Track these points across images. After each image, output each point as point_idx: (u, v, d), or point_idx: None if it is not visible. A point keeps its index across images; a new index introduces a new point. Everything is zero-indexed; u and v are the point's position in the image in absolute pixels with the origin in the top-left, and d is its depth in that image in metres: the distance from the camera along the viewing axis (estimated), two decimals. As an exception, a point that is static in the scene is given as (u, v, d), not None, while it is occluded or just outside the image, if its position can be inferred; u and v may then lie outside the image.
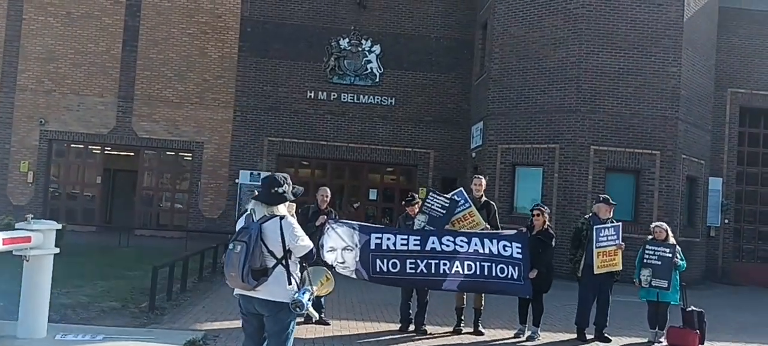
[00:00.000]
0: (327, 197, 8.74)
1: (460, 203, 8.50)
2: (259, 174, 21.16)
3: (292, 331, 4.46)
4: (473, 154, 20.09)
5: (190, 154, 21.87)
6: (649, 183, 16.98)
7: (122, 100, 21.38)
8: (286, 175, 4.56)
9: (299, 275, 4.45)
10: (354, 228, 8.28)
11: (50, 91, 21.29)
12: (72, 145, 22.01)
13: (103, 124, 21.34)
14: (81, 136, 21.44)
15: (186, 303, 9.59)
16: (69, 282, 10.33)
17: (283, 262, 4.34)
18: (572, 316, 8.99)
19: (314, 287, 4.48)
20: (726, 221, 20.54)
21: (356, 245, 8.12)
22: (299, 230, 4.44)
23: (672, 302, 8.75)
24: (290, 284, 4.34)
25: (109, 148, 22.18)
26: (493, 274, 8.02)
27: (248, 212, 4.43)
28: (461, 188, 8.71)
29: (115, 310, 8.63)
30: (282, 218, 4.37)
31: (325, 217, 8.40)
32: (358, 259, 8.08)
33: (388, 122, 21.53)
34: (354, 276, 8.22)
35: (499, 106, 18.49)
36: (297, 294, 4.28)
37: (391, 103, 21.61)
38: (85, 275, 11.32)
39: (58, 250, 6.83)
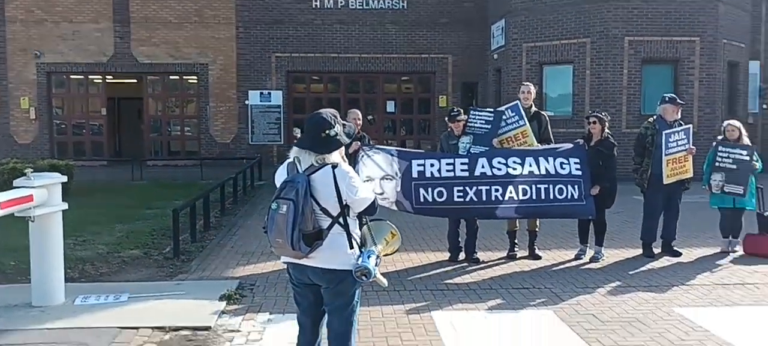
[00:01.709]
0: (359, 120, 7.78)
1: (511, 119, 7.54)
2: (269, 94, 20.17)
3: (358, 303, 3.63)
4: (495, 56, 18.90)
5: (195, 78, 20.83)
6: (688, 73, 15.88)
7: (118, 24, 20.14)
8: (335, 112, 3.61)
9: (359, 233, 3.59)
10: (392, 154, 7.39)
11: (41, 20, 20.05)
12: (72, 77, 21.00)
13: (101, 52, 20.21)
14: (80, 67, 20.37)
15: (212, 244, 8.85)
16: (85, 229, 9.61)
17: (341, 221, 3.46)
18: (636, 230, 8.19)
19: (379, 246, 3.61)
20: (764, 106, 19.51)
21: (396, 174, 7.25)
22: (357, 180, 3.54)
23: (748, 208, 7.90)
24: (351, 247, 3.48)
25: (110, 77, 21.16)
26: (551, 196, 7.16)
27: (291, 160, 3.51)
28: (517, 101, 7.68)
29: (138, 259, 7.90)
30: (335, 166, 3.46)
31: (359, 143, 7.48)
32: (398, 189, 7.23)
33: (401, 28, 20.24)
34: (395, 208, 7.40)
35: (521, 1, 17.14)
36: (361, 259, 3.44)
37: (402, 6, 20.25)
38: (101, 218, 10.58)
39: (65, 205, 6.00)
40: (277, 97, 20.31)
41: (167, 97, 21.70)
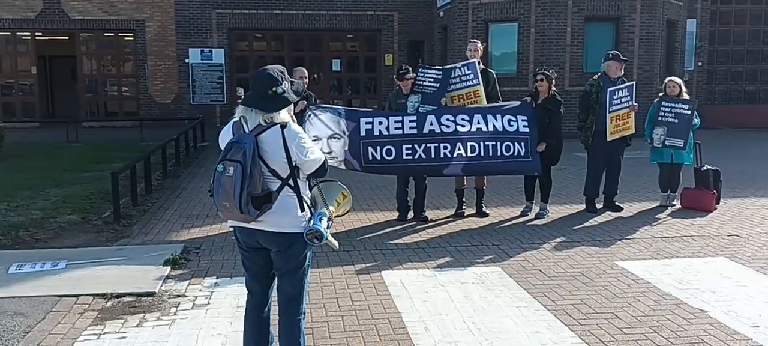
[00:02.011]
0: (305, 77, 7.58)
1: (466, 76, 7.51)
2: (210, 52, 19.58)
3: (309, 266, 3.55)
4: (441, 14, 18.79)
5: (131, 35, 20.00)
6: (629, 31, 16.17)
7: (46, -23, 19.08)
8: (282, 68, 3.47)
9: (309, 195, 3.50)
10: (340, 113, 7.27)
11: (-39, -27, 18.82)
12: (-2, 34, 19.88)
13: (28, 7, 19.16)
14: (6, 23, 19.29)
15: (154, 207, 8.60)
16: (18, 194, 9.20)
17: (291, 183, 3.36)
18: (579, 187, 8.36)
19: (330, 208, 3.53)
20: (699, 63, 20.10)
21: (344, 133, 7.15)
22: (308, 140, 3.42)
23: (686, 163, 8.15)
24: (302, 209, 3.38)
25: (40, 34, 20.09)
26: (499, 153, 7.20)
27: (237, 119, 3.37)
28: (475, 61, 7.62)
29: (76, 225, 7.61)
30: (284, 126, 3.34)
31: (305, 102, 7.31)
32: (346, 148, 7.14)
33: (346, -17, 19.85)
34: (343, 167, 7.33)
35: (467, -42, 17.01)
36: (312, 221, 3.35)
37: (347, -39, 19.83)
38: (34, 182, 10.13)
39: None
40: (219, 56, 19.74)
41: (102, 56, 20.81)
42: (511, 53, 16.63)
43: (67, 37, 20.43)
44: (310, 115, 7.22)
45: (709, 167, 8.12)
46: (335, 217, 3.63)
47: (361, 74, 21.08)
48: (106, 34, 20.37)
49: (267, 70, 3.40)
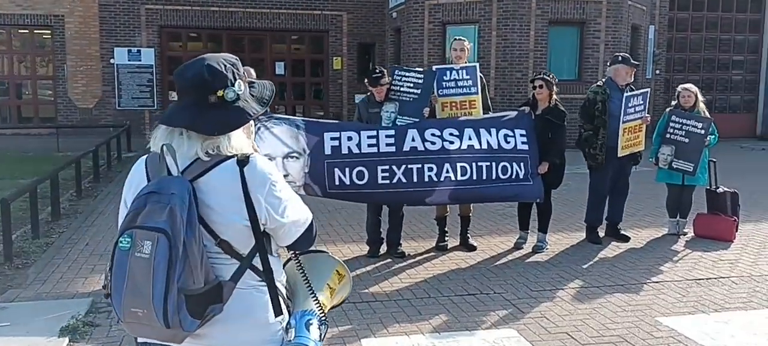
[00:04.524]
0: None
1: (463, 81, 6.25)
2: (138, 52, 17.62)
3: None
4: (393, 14, 17.46)
5: (49, 31, 17.84)
6: (594, 36, 15.24)
7: (-53, -35, 16.76)
8: (233, 57, 2.01)
9: (286, 282, 2.05)
10: (298, 126, 5.79)
11: None
12: None
13: (-75, -2, 16.77)
14: None
15: (61, 239, 6.87)
16: None
17: (256, 263, 1.90)
18: (568, 208, 7.13)
19: (321, 298, 2.09)
20: (657, 72, 19.49)
21: (304, 151, 5.68)
22: (284, 187, 1.97)
23: (700, 184, 7.04)
24: (277, 311, 1.93)
25: (-59, 29, 17.69)
26: (494, 176, 5.87)
27: (155, 150, 1.90)
28: (476, 65, 6.39)
29: (-49, 268, 5.84)
30: (243, 161, 1.88)
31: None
32: (307, 170, 5.68)
33: (291, -20, 18.28)
34: (302, 192, 5.87)
35: (424, -46, 15.77)
36: (293, 330, 1.91)
37: (291, -45, 18.27)
38: None
39: None
40: (148, 56, 17.78)
41: (17, 56, 18.52)
42: (469, 58, 15.43)
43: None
44: (260, 129, 5.71)
45: (725, 189, 7.03)
46: (330, 310, 2.18)
47: (306, 79, 19.52)
48: (20, 31, 18.13)
49: (205, 60, 1.92)
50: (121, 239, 1.76)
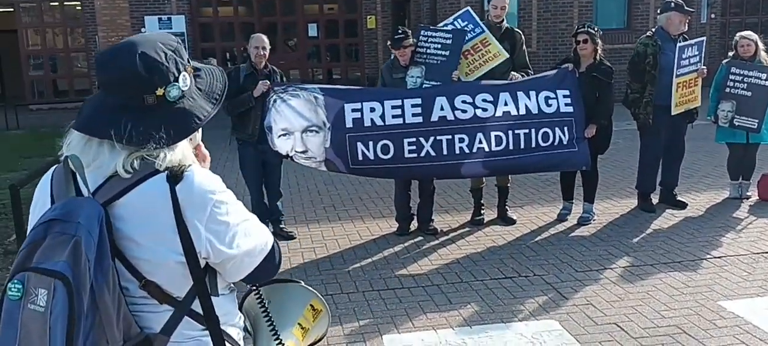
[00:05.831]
0: (264, 49, 5.53)
1: (468, 30, 5.62)
2: (169, 20, 17.30)
3: None
4: (428, -33, 16.65)
5: (79, 3, 17.67)
6: (644, -19, 14.22)
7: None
8: (171, 37, 1.53)
9: (241, 322, 1.60)
10: (316, 96, 5.30)
11: None
12: None
13: (-42, -24, 16.75)
14: (-67, -6, 16.87)
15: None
16: None
17: (196, 308, 1.46)
18: (617, 170, 6.50)
19: (288, 341, 1.62)
20: (712, 16, 18.24)
21: (324, 124, 5.21)
22: (235, 211, 1.50)
23: (765, 142, 6.33)
24: (227, 368, 1.49)
25: (-25, 7, 17.72)
26: (534, 144, 5.31)
27: (56, 168, 1.46)
28: (468, 8, 5.80)
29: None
30: (175, 176, 1.41)
31: (267, 82, 5.34)
32: (328, 145, 5.23)
33: (321, -63, 17.61)
34: (323, 169, 5.44)
35: None
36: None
37: None
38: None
39: None
40: (179, 24, 17.45)
41: (48, 29, 18.48)
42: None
43: (11, 10, 18.06)
44: (275, 101, 5.26)
45: (794, 147, 6.31)
46: None
47: (340, 39, 18.94)
48: (51, 4, 18.03)
49: (138, 47, 1.43)
50: (10, 284, 1.33)
